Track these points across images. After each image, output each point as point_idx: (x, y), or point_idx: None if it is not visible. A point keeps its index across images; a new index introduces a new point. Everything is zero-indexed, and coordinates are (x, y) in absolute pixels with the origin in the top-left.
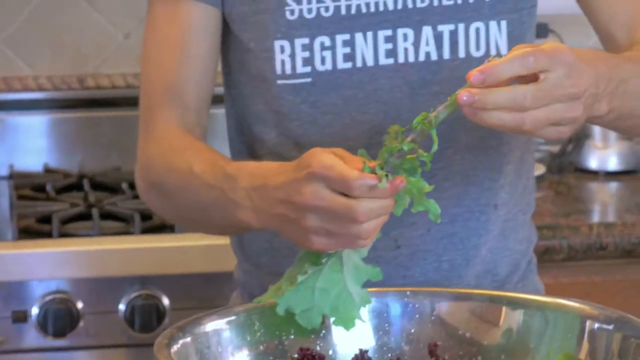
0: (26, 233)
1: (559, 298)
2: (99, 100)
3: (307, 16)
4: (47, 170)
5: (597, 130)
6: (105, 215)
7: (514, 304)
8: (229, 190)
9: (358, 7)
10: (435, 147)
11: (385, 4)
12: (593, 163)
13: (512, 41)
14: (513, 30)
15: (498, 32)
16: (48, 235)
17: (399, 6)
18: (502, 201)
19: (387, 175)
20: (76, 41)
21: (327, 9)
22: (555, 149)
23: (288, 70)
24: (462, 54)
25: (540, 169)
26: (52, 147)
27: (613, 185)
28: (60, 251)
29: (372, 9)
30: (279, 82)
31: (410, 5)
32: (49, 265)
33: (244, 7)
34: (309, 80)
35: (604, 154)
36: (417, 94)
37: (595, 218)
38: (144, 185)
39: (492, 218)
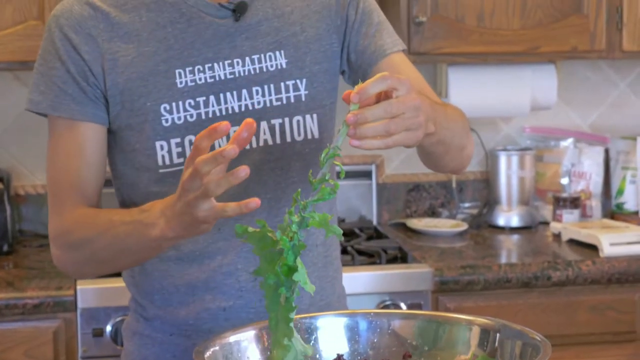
0: None
1: (476, 316)
2: None
3: (178, 122)
4: None
5: (503, 197)
6: None
7: (444, 321)
8: (145, 218)
9: (214, 112)
10: (342, 173)
11: (232, 108)
12: (501, 221)
13: (321, 127)
14: (321, 120)
15: (312, 122)
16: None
17: (243, 109)
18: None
19: None
20: None
21: (191, 115)
22: (474, 211)
23: (167, 162)
24: (288, 139)
25: (463, 226)
26: None
27: (515, 237)
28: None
29: (224, 113)
30: (161, 170)
31: (250, 107)
32: (117, 295)
33: (130, 120)
34: (182, 167)
35: (509, 215)
36: (260, 170)
37: (503, 260)
38: (60, 252)
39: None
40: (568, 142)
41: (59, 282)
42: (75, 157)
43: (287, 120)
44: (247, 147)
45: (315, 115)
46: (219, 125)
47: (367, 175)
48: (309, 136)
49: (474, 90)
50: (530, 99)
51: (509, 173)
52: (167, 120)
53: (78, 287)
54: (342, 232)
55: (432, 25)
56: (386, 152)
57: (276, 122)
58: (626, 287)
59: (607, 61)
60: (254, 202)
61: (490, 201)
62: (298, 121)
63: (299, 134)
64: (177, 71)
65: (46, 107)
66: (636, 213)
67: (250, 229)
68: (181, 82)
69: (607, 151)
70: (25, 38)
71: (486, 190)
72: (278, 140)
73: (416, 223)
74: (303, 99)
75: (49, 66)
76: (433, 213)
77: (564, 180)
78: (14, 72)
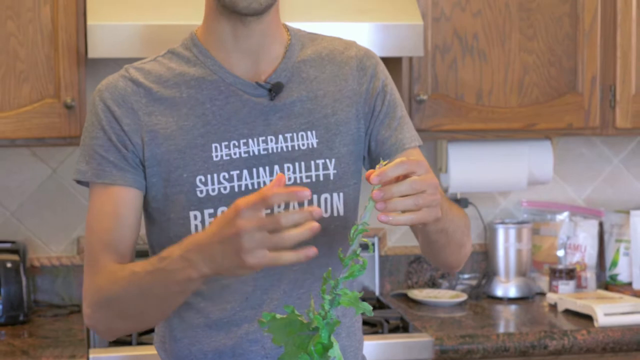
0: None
1: None
2: None
3: (212, 194)
4: None
5: (501, 269)
6: None
7: None
8: (166, 265)
9: (246, 186)
10: (371, 248)
11: (264, 182)
12: (499, 292)
13: (346, 205)
14: (346, 198)
15: (338, 200)
16: (129, 342)
17: None
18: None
19: None
20: None
21: (225, 188)
22: (473, 282)
23: (200, 231)
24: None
25: (463, 297)
26: None
27: (513, 307)
28: (138, 355)
29: (256, 187)
30: None
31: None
32: None
33: (165, 190)
34: None
35: (507, 286)
36: None
37: (501, 329)
38: (90, 311)
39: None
40: (564, 216)
41: (73, 351)
42: (110, 218)
43: (315, 197)
44: None
45: (341, 194)
46: (301, 191)
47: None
48: (335, 213)
49: (473, 166)
50: (527, 174)
51: (507, 246)
52: (201, 192)
53: (91, 356)
54: (371, 308)
55: (433, 103)
56: (388, 226)
57: None
58: (620, 356)
59: (601, 138)
60: (312, 250)
61: (488, 273)
62: (326, 198)
63: (326, 211)
64: (213, 145)
65: (90, 176)
66: (630, 284)
67: (278, 316)
68: (217, 156)
69: (601, 224)
70: (42, 115)
71: (485, 262)
72: None
73: (417, 294)
74: (331, 177)
75: (91, 136)
76: (433, 284)
77: (560, 253)
78: (30, 148)
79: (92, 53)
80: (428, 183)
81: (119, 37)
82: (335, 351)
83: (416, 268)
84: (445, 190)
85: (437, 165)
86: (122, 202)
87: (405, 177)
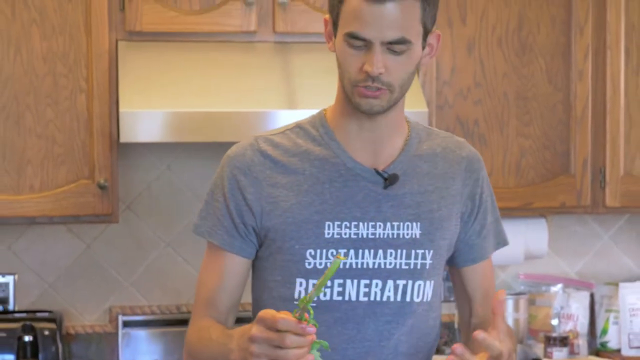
0: None
1: None
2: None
3: (319, 267)
4: None
5: None
6: None
7: None
8: (228, 342)
9: (351, 264)
10: (311, 319)
11: (367, 264)
12: None
13: (434, 292)
14: (435, 286)
15: (429, 288)
16: None
17: (376, 266)
18: None
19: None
20: (175, 283)
21: (331, 263)
22: None
23: (302, 296)
24: (408, 299)
25: None
26: (161, 350)
27: None
28: None
29: (360, 266)
30: (296, 302)
31: (382, 266)
32: None
33: (277, 255)
34: (314, 305)
35: None
36: (377, 319)
37: None
38: (185, 355)
39: None
40: (558, 288)
41: None
42: (216, 279)
43: (410, 282)
44: (372, 298)
45: (432, 282)
46: (306, 331)
47: None
48: (425, 299)
49: None
50: (524, 249)
51: (505, 315)
52: (310, 264)
53: None
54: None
55: None
56: None
57: (401, 282)
58: None
59: (592, 216)
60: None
61: None
62: (419, 285)
63: (417, 296)
64: (327, 223)
65: (203, 232)
66: (619, 350)
67: None
68: (328, 234)
69: (592, 295)
70: (77, 195)
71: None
72: (399, 298)
73: None
74: (427, 267)
75: (214, 197)
76: (438, 351)
77: (554, 321)
78: (67, 225)
79: (124, 138)
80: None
81: (148, 123)
82: None
83: None
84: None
85: None
86: (228, 267)
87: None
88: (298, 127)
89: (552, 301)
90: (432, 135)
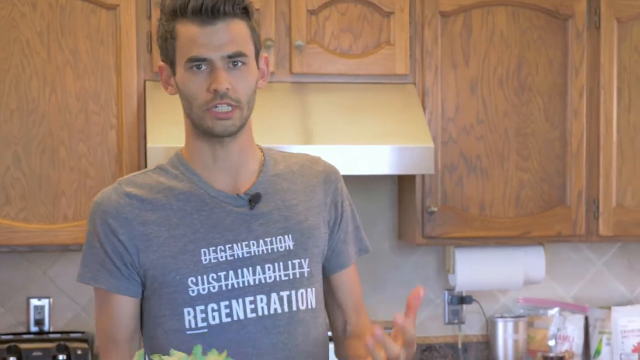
0: None
1: None
2: None
3: (202, 292)
4: None
5: (501, 356)
6: None
7: None
8: None
9: (232, 285)
10: None
11: (248, 281)
12: None
13: (317, 299)
14: (317, 292)
15: (312, 294)
16: None
17: (257, 282)
18: None
19: None
20: None
21: (214, 287)
22: None
23: (193, 325)
24: (294, 308)
25: None
26: None
27: None
28: None
29: (241, 285)
30: (188, 332)
31: (263, 281)
32: None
33: (161, 290)
34: (205, 330)
35: None
36: (270, 334)
37: None
38: None
39: None
40: (554, 311)
41: None
42: (110, 320)
43: (293, 292)
44: (260, 313)
45: (313, 289)
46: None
47: None
48: (309, 306)
49: (477, 268)
50: (523, 274)
51: (505, 336)
52: (193, 291)
53: None
54: None
55: (442, 214)
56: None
57: (284, 293)
58: None
59: (587, 244)
60: None
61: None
62: (302, 293)
63: (302, 304)
64: (202, 250)
65: (89, 279)
66: None
67: None
68: (206, 259)
69: (586, 318)
70: None
71: (487, 351)
72: (286, 309)
73: None
74: (306, 275)
75: (91, 245)
76: None
77: (551, 342)
78: None
79: None
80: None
81: None
82: None
83: (427, 356)
84: (452, 289)
85: (446, 267)
86: (118, 308)
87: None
88: (158, 168)
89: (549, 323)
90: (287, 156)
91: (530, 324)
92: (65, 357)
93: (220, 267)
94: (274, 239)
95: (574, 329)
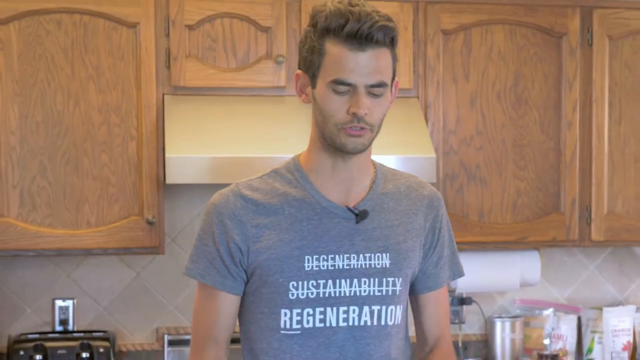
0: None
1: None
2: None
3: (301, 297)
4: None
5: (499, 354)
6: None
7: None
8: None
9: (329, 293)
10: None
11: (344, 292)
12: None
13: (402, 316)
14: (403, 310)
15: (399, 311)
16: None
17: (352, 294)
18: None
19: None
20: None
21: (312, 293)
22: None
23: (287, 326)
24: (383, 322)
25: None
26: None
27: None
28: None
29: (337, 295)
30: (282, 332)
31: (358, 293)
32: None
33: (262, 289)
34: (299, 332)
35: None
36: (357, 342)
37: None
38: None
39: None
40: (549, 311)
41: None
42: (213, 317)
43: (384, 307)
44: (351, 323)
45: (401, 307)
46: None
47: None
48: (397, 322)
49: (476, 271)
50: (520, 277)
51: (503, 335)
52: (292, 295)
53: None
54: None
55: None
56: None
57: (375, 308)
58: None
59: (580, 248)
60: None
61: (488, 357)
62: (391, 310)
63: (391, 319)
64: (306, 257)
65: (196, 274)
66: None
67: None
68: (308, 266)
69: (579, 318)
70: (128, 230)
71: (486, 349)
72: (375, 322)
73: None
74: (397, 293)
75: (203, 242)
76: None
77: (546, 341)
78: (119, 256)
79: (170, 180)
80: None
81: (192, 167)
82: None
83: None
84: (453, 291)
85: None
86: (222, 305)
87: None
88: (274, 172)
89: (545, 323)
90: (397, 175)
91: (526, 324)
92: (88, 355)
93: (320, 275)
94: (372, 255)
95: (567, 329)
